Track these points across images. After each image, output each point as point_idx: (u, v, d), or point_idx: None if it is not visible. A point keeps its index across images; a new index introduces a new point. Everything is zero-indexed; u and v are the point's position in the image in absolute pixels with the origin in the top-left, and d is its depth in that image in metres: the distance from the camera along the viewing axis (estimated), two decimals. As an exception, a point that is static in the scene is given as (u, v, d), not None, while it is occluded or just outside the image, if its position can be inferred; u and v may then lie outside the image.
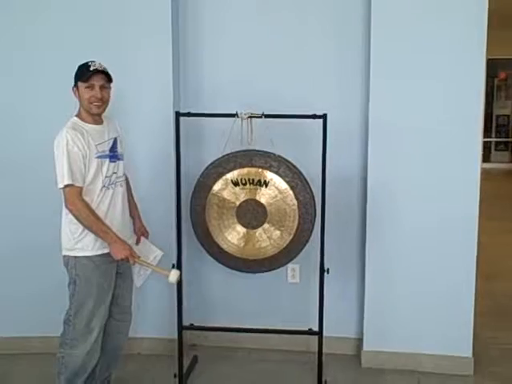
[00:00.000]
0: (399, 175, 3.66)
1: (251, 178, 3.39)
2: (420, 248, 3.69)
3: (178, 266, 3.43)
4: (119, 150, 3.15)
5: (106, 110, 3.10)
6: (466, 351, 3.72)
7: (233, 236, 3.47)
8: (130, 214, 3.33)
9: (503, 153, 13.54)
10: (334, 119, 3.36)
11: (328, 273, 3.46)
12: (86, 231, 2.97)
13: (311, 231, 3.41)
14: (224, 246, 3.48)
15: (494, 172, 11.41)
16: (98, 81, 2.97)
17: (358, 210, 3.87)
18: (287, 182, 3.37)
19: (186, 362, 3.73)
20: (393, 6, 3.54)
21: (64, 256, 3.06)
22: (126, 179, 3.31)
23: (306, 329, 3.65)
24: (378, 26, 3.54)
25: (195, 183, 3.46)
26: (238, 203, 3.42)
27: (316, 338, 3.53)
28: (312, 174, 3.43)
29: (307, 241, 3.43)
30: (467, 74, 3.53)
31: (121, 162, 3.16)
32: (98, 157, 2.98)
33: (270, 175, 3.37)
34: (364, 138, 3.74)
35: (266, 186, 3.38)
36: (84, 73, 2.96)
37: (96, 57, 3.07)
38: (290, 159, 3.40)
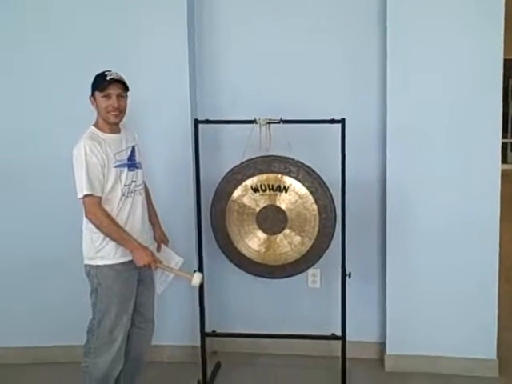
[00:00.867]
0: (418, 177, 3.65)
1: (271, 183, 3.39)
2: (441, 250, 3.67)
3: (200, 272, 3.43)
4: (137, 158, 3.16)
5: (124, 119, 3.11)
6: (491, 353, 3.69)
7: (253, 242, 3.47)
8: (150, 222, 3.34)
9: (521, 154, 13.43)
10: (351, 123, 3.36)
11: (350, 277, 3.45)
12: (107, 240, 2.98)
13: (332, 236, 3.40)
14: (245, 252, 3.48)
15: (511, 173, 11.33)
16: (114, 90, 2.99)
17: (378, 214, 3.86)
18: (307, 187, 3.37)
19: (209, 369, 3.74)
20: (408, 11, 3.54)
21: (85, 265, 3.07)
22: (145, 187, 3.33)
23: (329, 334, 3.64)
24: (394, 30, 3.53)
25: (215, 190, 3.46)
26: (258, 209, 3.42)
27: (339, 342, 3.52)
28: (331, 178, 3.42)
29: (328, 245, 3.42)
30: (484, 75, 3.52)
31: (139, 171, 3.16)
32: (117, 166, 3.00)
33: (289, 180, 3.37)
34: (382, 141, 3.73)
35: (286, 191, 3.38)
36: (101, 82, 2.98)
37: (112, 66, 3.09)
38: (308, 164, 3.39)
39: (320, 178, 3.39)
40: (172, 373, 3.87)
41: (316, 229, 3.40)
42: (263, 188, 3.39)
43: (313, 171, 3.38)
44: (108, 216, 2.95)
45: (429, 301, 3.73)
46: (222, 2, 3.86)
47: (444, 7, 3.51)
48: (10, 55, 3.86)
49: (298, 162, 3.35)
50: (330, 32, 3.80)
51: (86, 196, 2.90)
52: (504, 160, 12.43)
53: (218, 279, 4.02)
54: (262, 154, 3.36)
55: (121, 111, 3.03)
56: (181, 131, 3.76)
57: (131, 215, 3.07)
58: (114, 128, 3.08)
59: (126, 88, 3.04)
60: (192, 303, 3.78)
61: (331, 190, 3.40)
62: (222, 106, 3.90)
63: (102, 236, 2.98)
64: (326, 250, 3.44)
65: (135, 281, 3.13)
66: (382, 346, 3.91)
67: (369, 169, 3.83)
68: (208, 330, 3.74)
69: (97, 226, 2.94)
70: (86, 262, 3.06)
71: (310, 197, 3.37)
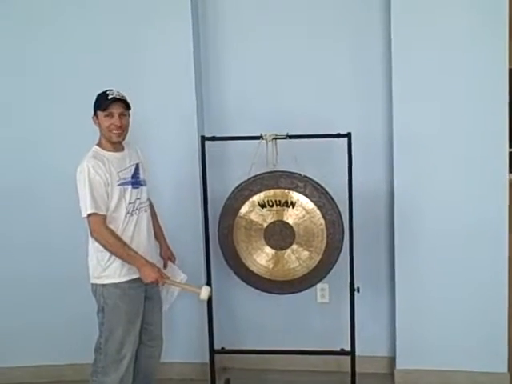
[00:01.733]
0: (426, 189, 3.64)
1: (278, 199, 3.39)
2: (450, 263, 3.66)
3: (208, 285, 3.44)
4: (141, 175, 3.16)
5: (128, 136, 3.12)
6: (502, 367, 3.67)
7: (261, 258, 3.46)
8: (156, 239, 3.34)
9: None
10: (357, 135, 3.37)
11: (359, 292, 3.44)
12: (113, 258, 2.99)
13: (340, 250, 3.40)
14: (253, 268, 3.47)
15: (519, 183, 11.31)
16: (116, 109, 3.00)
17: (386, 227, 3.85)
18: (314, 202, 3.36)
19: (219, 386, 3.73)
20: (413, 22, 3.54)
21: (92, 284, 3.08)
22: (151, 204, 3.33)
23: (338, 349, 3.63)
24: (399, 41, 3.54)
25: (222, 206, 3.46)
26: (265, 225, 3.42)
27: (348, 357, 3.50)
28: (338, 192, 3.42)
29: (336, 260, 3.41)
30: (490, 84, 3.51)
31: (144, 188, 3.17)
32: (120, 184, 3.00)
33: (296, 196, 3.37)
34: (389, 153, 3.73)
35: (293, 206, 3.38)
36: (103, 101, 3.00)
37: (117, 83, 3.12)
38: (315, 178, 3.39)
39: (327, 192, 3.39)
40: (181, 390, 3.86)
41: (324, 243, 3.39)
42: (270, 204, 3.39)
43: (320, 186, 3.38)
44: (113, 234, 2.95)
45: (438, 314, 3.71)
46: (227, 17, 3.88)
47: (448, 18, 3.52)
48: (35, 85, 3.88)
49: (304, 176, 3.35)
50: (336, 45, 3.81)
51: (90, 215, 2.91)
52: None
53: (226, 295, 4.01)
54: (269, 169, 3.37)
55: (123, 130, 3.05)
56: (187, 148, 3.76)
57: (136, 232, 3.08)
58: (117, 146, 3.09)
59: (127, 106, 3.06)
60: (201, 320, 3.77)
61: (338, 204, 3.39)
62: (227, 121, 3.92)
63: (107, 255, 2.98)
64: (335, 264, 3.43)
65: (142, 299, 3.12)
66: (392, 360, 3.89)
67: (376, 181, 3.83)
68: (217, 346, 3.72)
69: (103, 245, 2.95)
70: (92, 280, 3.07)
71: (318, 211, 3.37)
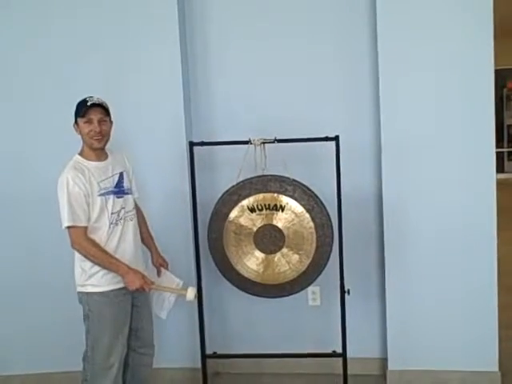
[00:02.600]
0: (414, 191, 3.65)
1: (267, 203, 3.39)
2: (439, 263, 3.67)
3: (199, 294, 3.45)
4: (126, 184, 3.14)
5: (113, 144, 3.11)
6: (493, 366, 3.68)
7: (252, 262, 3.46)
8: (146, 246, 3.34)
9: (517, 162, 13.45)
10: (346, 139, 3.38)
11: (349, 294, 3.45)
12: (97, 268, 2.98)
13: (330, 253, 3.40)
14: (243, 273, 3.47)
15: (508, 182, 11.35)
16: (95, 115, 2.98)
17: (376, 229, 3.86)
18: (303, 206, 3.37)
19: (211, 391, 3.73)
20: (399, 24, 3.56)
21: (78, 292, 3.07)
22: (140, 212, 3.33)
23: (330, 351, 3.63)
24: (386, 45, 3.55)
25: (211, 211, 3.46)
26: (255, 229, 3.42)
27: (340, 359, 3.51)
28: (327, 195, 3.43)
29: (326, 263, 3.41)
30: (476, 85, 3.53)
31: (129, 197, 3.14)
32: (101, 194, 2.98)
33: (285, 199, 3.37)
34: (377, 156, 3.75)
35: (283, 210, 3.38)
36: (81, 108, 2.98)
37: (103, 90, 3.15)
38: (304, 182, 3.40)
39: (316, 195, 3.39)
40: (174, 396, 3.86)
41: (313, 246, 3.40)
42: (260, 208, 3.39)
43: (309, 189, 3.39)
44: (94, 244, 2.94)
45: (429, 314, 3.72)
46: (214, 23, 3.89)
47: (434, 20, 3.54)
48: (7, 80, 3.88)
49: (293, 180, 3.35)
50: (324, 49, 3.82)
51: (69, 227, 2.91)
52: (501, 169, 12.56)
53: (217, 300, 4.01)
54: (258, 173, 3.37)
55: (104, 135, 3.01)
56: (176, 153, 3.76)
57: (122, 242, 3.06)
58: (100, 154, 3.06)
59: (107, 112, 3.03)
60: (192, 325, 3.78)
61: (328, 207, 3.40)
62: (216, 126, 3.92)
63: (91, 264, 2.97)
64: (325, 267, 3.43)
65: (128, 307, 3.11)
66: (384, 361, 3.89)
67: (365, 184, 3.84)
68: (209, 351, 3.73)
69: (84, 256, 2.95)
70: (78, 289, 3.06)
71: (307, 215, 3.37)
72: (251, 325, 4.07)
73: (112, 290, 3.01)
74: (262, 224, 3.41)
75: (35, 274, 3.94)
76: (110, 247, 3.00)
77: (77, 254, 3.01)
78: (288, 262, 3.43)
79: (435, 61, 3.55)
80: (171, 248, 3.54)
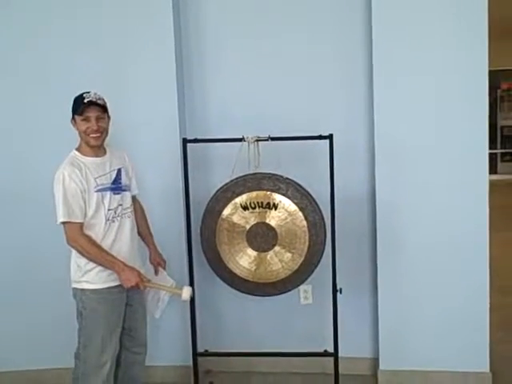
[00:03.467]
0: (407, 191, 3.66)
1: (260, 201, 3.38)
2: (432, 264, 3.67)
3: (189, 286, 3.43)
4: (124, 180, 3.11)
5: (110, 140, 3.10)
6: (484, 367, 3.68)
7: (244, 260, 3.46)
8: (145, 244, 3.32)
9: (510, 164, 13.50)
10: (340, 138, 3.38)
11: (341, 293, 3.45)
12: (93, 264, 2.96)
13: (322, 252, 3.40)
14: (236, 271, 3.47)
15: (501, 183, 11.38)
16: (93, 112, 2.94)
17: (368, 229, 3.86)
18: (296, 204, 3.37)
19: (202, 389, 3.73)
20: (393, 27, 3.57)
21: (72, 288, 3.05)
22: (141, 208, 3.32)
23: (322, 350, 3.63)
24: (381, 46, 3.55)
25: (204, 209, 3.46)
26: (247, 227, 3.42)
27: (332, 359, 3.51)
28: (321, 194, 3.43)
29: (319, 261, 3.41)
30: (470, 87, 3.54)
31: (126, 193, 3.12)
32: (98, 190, 2.96)
33: (278, 197, 3.37)
34: (371, 155, 3.74)
35: (276, 208, 3.38)
36: (79, 105, 2.94)
37: (98, 86, 3.08)
38: (297, 180, 3.39)
39: (309, 194, 3.39)
40: (165, 394, 3.85)
41: (306, 245, 3.40)
42: (253, 206, 3.39)
43: (302, 188, 3.38)
44: (89, 241, 2.92)
45: (420, 315, 3.73)
46: (208, 21, 3.87)
47: (428, 21, 3.54)
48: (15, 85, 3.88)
49: (287, 178, 3.35)
50: (319, 49, 3.81)
51: (64, 223, 2.89)
52: (494, 171, 12.61)
53: (209, 298, 4.00)
54: (251, 171, 3.37)
55: (101, 133, 2.98)
56: (170, 150, 3.75)
57: (118, 239, 3.03)
58: (97, 150, 3.03)
59: (105, 109, 2.99)
60: (184, 323, 3.77)
61: (321, 206, 3.40)
62: (210, 124, 3.91)
63: (86, 260, 2.95)
64: (317, 266, 3.43)
65: (123, 305, 3.09)
66: (375, 361, 3.89)
67: (358, 184, 3.84)
68: (201, 349, 3.72)
69: (79, 252, 2.93)
70: (73, 285, 3.04)
71: (300, 213, 3.37)
72: (243, 323, 4.06)
73: (107, 288, 2.99)
74: (254, 222, 3.41)
75: (26, 269, 3.92)
76: (106, 244, 2.98)
77: (73, 250, 2.99)
78: (280, 261, 3.42)
79: (429, 62, 3.56)
80: (164, 245, 3.51)
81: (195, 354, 3.61)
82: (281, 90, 3.84)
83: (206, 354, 3.77)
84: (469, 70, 3.52)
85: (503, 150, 13.48)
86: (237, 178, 3.39)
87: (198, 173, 3.80)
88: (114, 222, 3.01)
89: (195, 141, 3.50)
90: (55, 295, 3.78)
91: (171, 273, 3.36)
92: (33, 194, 3.82)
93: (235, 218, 3.42)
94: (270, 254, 3.43)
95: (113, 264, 2.95)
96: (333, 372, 3.52)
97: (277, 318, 4.00)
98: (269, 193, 3.38)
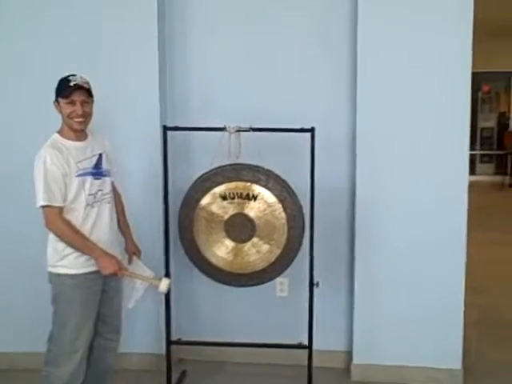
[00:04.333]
0: (387, 188, 3.67)
1: (239, 191, 3.38)
2: (409, 260, 3.70)
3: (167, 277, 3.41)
4: (104, 166, 3.08)
5: (93, 125, 3.06)
6: (456, 363, 3.72)
7: (221, 250, 3.45)
8: (121, 233, 3.29)
9: (488, 165, 13.70)
10: (322, 132, 3.38)
11: (318, 286, 3.46)
12: (70, 249, 2.92)
13: (300, 245, 3.40)
14: (212, 260, 3.46)
15: (480, 184, 11.53)
16: (78, 96, 2.90)
17: (347, 223, 3.87)
18: (276, 196, 3.36)
19: (175, 377, 3.72)
20: (378, 24, 3.57)
21: (48, 272, 3.01)
22: (119, 196, 3.29)
23: (296, 342, 3.64)
24: (365, 40, 3.57)
25: (183, 197, 3.44)
26: (226, 217, 3.41)
27: (306, 351, 3.52)
28: (301, 186, 3.42)
29: (296, 254, 3.42)
30: (453, 87, 3.57)
31: (107, 179, 3.09)
32: (79, 175, 2.92)
33: (258, 189, 3.36)
34: (352, 150, 3.75)
35: (255, 199, 3.37)
36: (64, 88, 2.89)
37: (79, 69, 3.03)
38: (278, 172, 3.39)
39: (289, 186, 3.39)
40: (137, 381, 3.83)
41: (284, 237, 3.40)
42: (232, 196, 3.38)
43: (282, 180, 3.38)
44: (69, 225, 2.89)
45: (395, 310, 3.75)
46: (194, 8, 3.85)
47: (413, 20, 3.56)
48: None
49: (267, 170, 3.34)
50: (301, 40, 3.81)
51: (44, 207, 2.85)
52: (472, 172, 12.74)
53: (185, 287, 3.99)
54: (232, 161, 3.35)
55: (85, 117, 2.95)
56: (150, 138, 3.72)
57: (97, 224, 3.00)
58: (80, 135, 2.99)
59: (90, 94, 2.96)
60: (159, 311, 3.75)
61: (301, 199, 3.40)
62: (192, 113, 3.89)
63: (64, 245, 2.92)
64: (294, 258, 3.43)
65: (98, 291, 3.06)
66: (349, 354, 3.91)
67: (338, 178, 3.85)
68: (175, 337, 3.71)
69: (58, 236, 2.89)
70: (49, 269, 3.00)
71: (279, 205, 3.37)
72: (218, 313, 4.05)
73: (84, 274, 2.96)
74: (233, 212, 3.40)
75: (4, 251, 3.89)
76: (85, 229, 2.95)
77: (50, 234, 2.95)
78: (258, 252, 3.42)
79: (413, 61, 3.58)
80: (142, 233, 3.49)
81: (169, 343, 3.60)
82: (264, 81, 3.84)
83: (180, 342, 3.75)
84: (452, 71, 3.55)
85: (482, 152, 13.65)
86: (216, 168, 3.38)
87: (178, 161, 3.78)
88: (93, 207, 2.98)
89: (175, 128, 3.48)
90: (29, 278, 3.75)
91: (147, 261, 3.33)
92: (11, 176, 3.79)
93: (214, 208, 3.41)
94: (248, 244, 3.43)
95: (92, 250, 2.92)
96: (306, 364, 3.53)
97: (252, 309, 4.01)
98: (248, 184, 3.37)
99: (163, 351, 3.67)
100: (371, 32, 3.57)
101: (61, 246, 2.93)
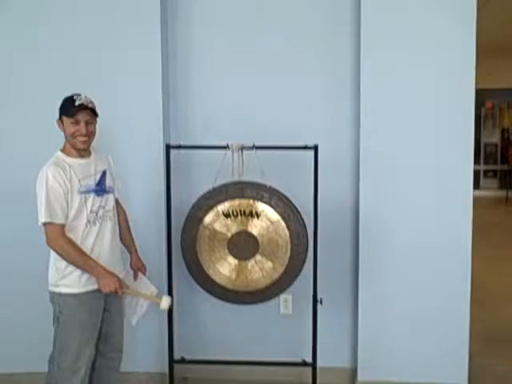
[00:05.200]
0: (391, 204, 3.66)
1: (243, 209, 3.37)
2: (413, 277, 3.68)
3: (169, 295, 3.40)
4: (107, 183, 3.09)
5: (95, 143, 3.07)
6: (462, 379, 3.69)
7: (224, 268, 3.44)
8: (127, 249, 3.29)
9: (492, 180, 13.75)
10: (325, 149, 3.40)
11: (321, 303, 3.45)
12: (72, 268, 2.91)
13: (304, 262, 3.39)
14: (215, 278, 3.45)
15: (484, 199, 11.53)
16: (83, 116, 2.91)
17: (351, 240, 3.86)
18: (279, 213, 3.36)
19: (178, 397, 3.70)
20: (381, 40, 3.58)
21: (49, 291, 3.00)
22: (124, 212, 3.29)
23: (300, 360, 3.62)
24: (368, 58, 3.57)
25: (186, 216, 3.44)
26: (229, 235, 3.40)
27: (310, 369, 3.50)
28: (304, 204, 3.43)
29: (300, 271, 3.41)
30: (457, 104, 3.57)
31: (110, 196, 3.09)
32: (82, 192, 2.93)
33: (261, 206, 3.36)
34: (355, 167, 3.75)
35: (258, 217, 3.37)
36: (69, 108, 2.91)
37: (85, 87, 3.06)
38: (281, 190, 3.39)
39: (292, 204, 3.38)
40: (141, 400, 3.81)
41: (288, 255, 3.39)
42: (235, 214, 3.38)
43: (285, 197, 3.38)
44: (70, 243, 2.88)
45: (400, 327, 3.73)
46: (196, 25, 3.87)
47: (416, 40, 3.57)
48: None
49: (270, 187, 3.34)
50: (304, 59, 3.82)
51: (45, 224, 2.85)
52: (477, 186, 12.76)
53: (188, 305, 3.98)
54: (235, 179, 3.36)
55: (89, 137, 2.96)
56: (153, 156, 3.73)
57: (98, 242, 3.00)
58: (83, 152, 3.00)
59: (95, 113, 2.97)
60: (161, 329, 3.74)
61: (304, 216, 3.39)
62: (195, 131, 3.90)
63: (66, 263, 2.91)
64: (298, 276, 3.42)
65: (100, 310, 3.05)
66: (354, 372, 3.89)
67: (342, 195, 3.84)
68: (178, 356, 3.70)
69: (59, 254, 2.89)
70: (50, 288, 2.99)
71: (282, 223, 3.36)
72: (221, 331, 4.03)
73: (86, 292, 2.95)
74: (236, 230, 3.40)
75: (3, 270, 3.87)
76: (86, 246, 2.94)
77: (53, 253, 2.95)
78: (261, 269, 3.41)
79: (417, 78, 3.58)
80: (145, 250, 3.48)
81: (172, 361, 3.59)
82: (267, 99, 3.85)
83: (183, 361, 3.73)
84: (456, 88, 3.56)
85: (486, 167, 13.70)
86: (220, 186, 3.38)
87: (181, 179, 3.79)
88: (95, 224, 2.98)
89: (179, 147, 3.49)
90: (30, 297, 3.73)
91: (151, 279, 3.33)
92: (14, 194, 3.78)
93: (217, 226, 3.41)
94: (251, 262, 3.42)
95: (92, 268, 2.91)
96: (310, 382, 3.51)
97: (256, 327, 3.99)
98: (252, 201, 3.37)
99: (166, 370, 3.65)
100: (374, 51, 3.57)
101: (63, 264, 2.92)
